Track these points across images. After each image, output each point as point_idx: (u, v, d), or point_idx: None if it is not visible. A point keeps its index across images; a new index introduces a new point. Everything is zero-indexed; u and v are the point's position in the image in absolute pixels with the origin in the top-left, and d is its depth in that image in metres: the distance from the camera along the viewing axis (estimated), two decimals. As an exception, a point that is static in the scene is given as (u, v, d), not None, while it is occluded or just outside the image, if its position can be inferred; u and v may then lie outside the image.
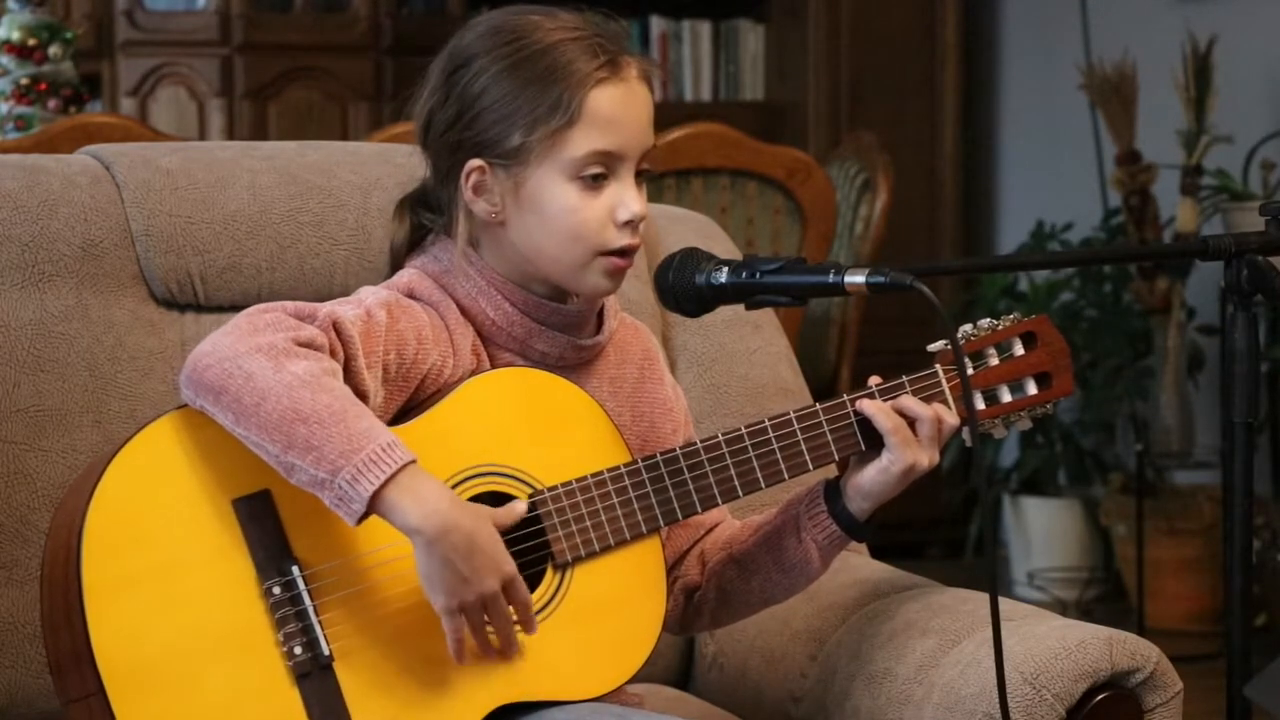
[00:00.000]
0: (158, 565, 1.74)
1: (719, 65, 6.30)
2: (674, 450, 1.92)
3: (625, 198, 1.90)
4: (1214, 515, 4.98)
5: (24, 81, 4.28)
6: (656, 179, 3.88)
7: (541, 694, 1.85)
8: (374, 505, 1.72)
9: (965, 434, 1.96)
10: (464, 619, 1.77)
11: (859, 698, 2.01)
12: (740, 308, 1.91)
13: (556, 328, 1.95)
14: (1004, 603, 1.91)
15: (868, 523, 1.97)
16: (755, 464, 1.92)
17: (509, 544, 1.80)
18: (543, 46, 1.88)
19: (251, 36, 5.77)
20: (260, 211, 2.20)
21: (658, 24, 6.26)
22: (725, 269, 1.89)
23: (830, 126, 6.02)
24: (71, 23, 4.99)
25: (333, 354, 1.80)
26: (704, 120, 4.30)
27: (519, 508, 1.84)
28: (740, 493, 1.93)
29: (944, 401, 1.96)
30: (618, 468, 1.90)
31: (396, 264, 1.99)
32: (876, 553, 2.33)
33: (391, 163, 2.28)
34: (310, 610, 1.77)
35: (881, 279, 1.83)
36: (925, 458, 1.92)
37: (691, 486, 1.91)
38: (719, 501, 1.93)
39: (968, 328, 2.01)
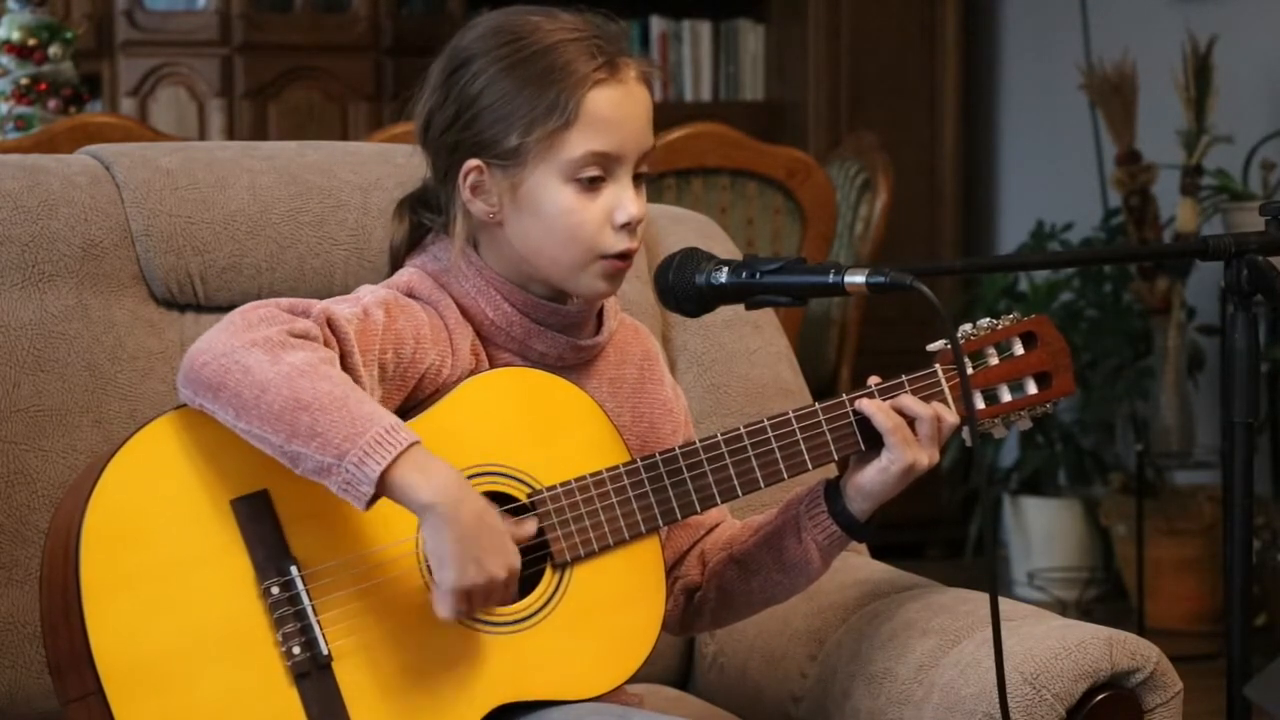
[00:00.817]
0: (156, 565, 1.74)
1: (719, 65, 6.30)
2: (673, 450, 1.92)
3: (623, 200, 1.89)
4: (1214, 515, 4.98)
5: (24, 81, 4.28)
6: (656, 179, 3.89)
7: (541, 693, 1.85)
8: (383, 486, 1.71)
9: (965, 433, 1.96)
10: (467, 602, 1.76)
11: (859, 698, 2.01)
12: (740, 308, 1.91)
13: (555, 328, 1.94)
14: (1004, 603, 1.91)
15: (868, 523, 1.97)
16: (755, 464, 1.92)
17: (509, 543, 1.80)
18: (541, 47, 1.88)
19: (251, 36, 5.77)
20: (260, 211, 2.20)
21: (658, 24, 6.25)
22: (725, 269, 1.89)
23: (830, 126, 6.02)
24: (71, 23, 4.99)
25: (326, 347, 1.80)
26: (704, 120, 4.30)
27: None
28: (740, 493, 1.93)
29: (943, 401, 1.96)
30: (617, 468, 1.90)
31: (396, 263, 1.99)
32: (876, 553, 2.33)
33: (391, 163, 2.28)
34: (309, 610, 1.77)
35: (881, 279, 1.83)
36: (925, 457, 1.92)
37: (691, 486, 1.91)
38: (718, 501, 1.93)
39: (967, 327, 2.01)
